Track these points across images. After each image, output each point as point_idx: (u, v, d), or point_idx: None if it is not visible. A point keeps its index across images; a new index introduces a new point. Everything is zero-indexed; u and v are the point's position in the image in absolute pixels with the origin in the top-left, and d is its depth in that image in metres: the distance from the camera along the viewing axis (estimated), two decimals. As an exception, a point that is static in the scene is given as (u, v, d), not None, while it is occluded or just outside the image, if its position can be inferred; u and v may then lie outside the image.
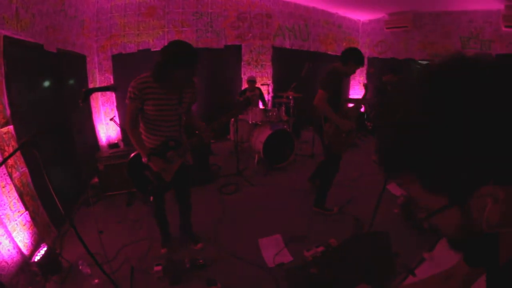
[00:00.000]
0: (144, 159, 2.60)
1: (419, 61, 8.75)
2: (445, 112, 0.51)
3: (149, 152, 2.61)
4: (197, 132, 2.90)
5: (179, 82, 2.56)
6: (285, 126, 6.03)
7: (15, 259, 2.83)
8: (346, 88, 10.49)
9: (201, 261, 3.03)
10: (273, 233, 3.61)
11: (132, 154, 2.80)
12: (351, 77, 10.19)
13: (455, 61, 0.56)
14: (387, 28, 9.26)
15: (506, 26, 6.76)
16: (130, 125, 2.61)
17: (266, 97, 7.39)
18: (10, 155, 1.94)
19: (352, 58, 3.65)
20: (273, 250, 3.31)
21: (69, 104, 4.56)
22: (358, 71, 8.76)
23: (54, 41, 4.20)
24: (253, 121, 5.94)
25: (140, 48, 6.72)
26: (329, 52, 9.70)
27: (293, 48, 8.82)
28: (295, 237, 3.53)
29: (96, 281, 2.80)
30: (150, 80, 2.53)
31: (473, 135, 0.50)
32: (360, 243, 2.73)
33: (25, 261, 2.94)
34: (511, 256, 0.62)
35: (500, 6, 6.72)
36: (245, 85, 7.69)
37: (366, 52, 10.28)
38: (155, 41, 6.88)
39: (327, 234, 3.50)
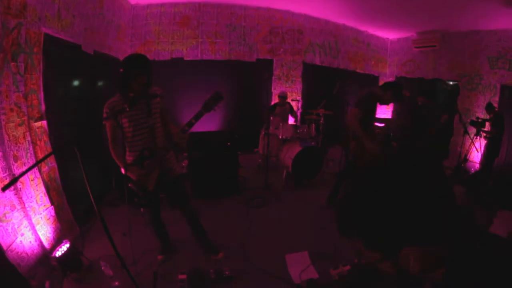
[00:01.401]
0: (122, 171, 2.70)
1: (447, 81, 8.50)
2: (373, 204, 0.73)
3: (125, 163, 2.74)
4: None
5: (139, 86, 2.60)
6: (313, 143, 5.92)
7: (35, 251, 2.81)
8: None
9: (227, 272, 2.92)
10: (300, 249, 3.48)
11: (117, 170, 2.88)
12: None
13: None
14: (415, 47, 9.04)
15: (535, 45, 6.47)
16: (111, 143, 2.71)
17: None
18: (49, 154, 1.88)
19: (392, 91, 3.77)
20: (299, 266, 3.18)
21: (101, 105, 4.60)
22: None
23: (91, 43, 4.29)
24: (283, 137, 5.89)
25: (174, 56, 6.82)
26: (358, 71, 9.60)
27: (323, 64, 8.76)
28: (322, 254, 3.40)
29: (117, 283, 2.70)
30: (119, 99, 2.65)
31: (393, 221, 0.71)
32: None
33: (45, 254, 2.92)
34: None
35: (529, 25, 6.43)
36: (274, 100, 7.63)
37: (394, 71, 10.16)
38: (189, 51, 6.97)
39: (353, 252, 3.32)
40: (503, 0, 5.08)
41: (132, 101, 2.45)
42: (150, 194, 2.80)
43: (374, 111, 3.86)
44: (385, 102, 3.85)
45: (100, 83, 4.84)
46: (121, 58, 5.78)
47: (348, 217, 0.83)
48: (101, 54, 4.72)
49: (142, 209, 3.03)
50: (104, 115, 2.63)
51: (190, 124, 2.73)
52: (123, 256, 2.88)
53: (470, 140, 6.25)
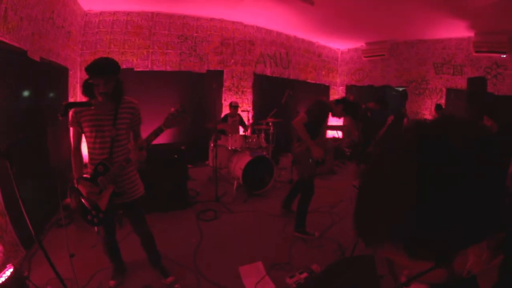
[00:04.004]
0: (74, 182, 2.50)
1: (396, 88, 9.23)
2: (435, 187, 0.52)
3: (80, 176, 2.51)
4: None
5: (100, 92, 2.44)
6: (264, 153, 5.93)
7: (-25, 279, 2.55)
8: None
9: (180, 290, 2.81)
10: (254, 260, 3.41)
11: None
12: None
13: (442, 131, 0.58)
14: (365, 57, 9.75)
15: (476, 52, 7.42)
16: (73, 150, 2.59)
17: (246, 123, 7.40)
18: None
19: (343, 105, 3.93)
20: (254, 278, 3.10)
21: (47, 117, 4.32)
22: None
23: (39, 49, 4.07)
24: (233, 147, 5.84)
25: (124, 66, 6.55)
26: (308, 80, 9.99)
27: (273, 75, 9.00)
28: (277, 264, 3.36)
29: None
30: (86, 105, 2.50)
31: (459, 207, 0.51)
32: (344, 267, 2.67)
33: (-14, 282, 2.66)
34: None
35: (470, 34, 7.40)
36: (225, 111, 7.65)
37: (344, 80, 10.77)
38: (139, 61, 6.84)
39: (309, 260, 3.39)
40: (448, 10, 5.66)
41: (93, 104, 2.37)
42: (103, 214, 2.53)
43: (324, 120, 3.99)
44: (337, 115, 4.02)
45: (46, 93, 4.57)
46: (69, 66, 5.56)
47: (386, 217, 0.58)
48: (48, 61, 4.47)
49: (96, 229, 2.75)
50: (70, 119, 2.48)
51: (149, 141, 2.56)
52: (73, 278, 2.70)
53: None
